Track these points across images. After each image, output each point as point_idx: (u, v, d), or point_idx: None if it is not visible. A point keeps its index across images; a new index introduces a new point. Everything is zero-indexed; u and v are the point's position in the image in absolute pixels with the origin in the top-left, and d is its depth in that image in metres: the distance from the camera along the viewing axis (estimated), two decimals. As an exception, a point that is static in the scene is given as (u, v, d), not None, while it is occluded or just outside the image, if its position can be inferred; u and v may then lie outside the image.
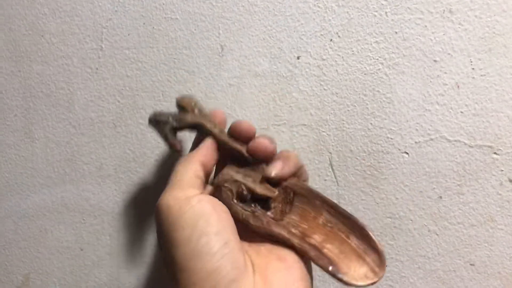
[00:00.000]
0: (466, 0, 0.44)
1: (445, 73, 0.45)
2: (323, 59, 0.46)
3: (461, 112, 0.45)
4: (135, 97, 0.49)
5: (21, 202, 0.52)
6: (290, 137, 0.47)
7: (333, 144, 0.47)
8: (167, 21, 0.48)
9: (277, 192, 0.37)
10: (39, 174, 0.52)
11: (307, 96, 0.47)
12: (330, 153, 0.47)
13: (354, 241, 0.34)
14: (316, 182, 0.48)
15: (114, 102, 0.49)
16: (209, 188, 0.38)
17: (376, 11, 0.45)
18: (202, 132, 0.39)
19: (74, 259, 0.52)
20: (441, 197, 0.46)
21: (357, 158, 0.47)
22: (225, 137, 0.38)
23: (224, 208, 0.32)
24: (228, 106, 0.48)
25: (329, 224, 0.35)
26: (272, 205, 0.36)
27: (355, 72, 0.46)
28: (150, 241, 0.51)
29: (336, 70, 0.46)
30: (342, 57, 0.46)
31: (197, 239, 0.28)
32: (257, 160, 0.37)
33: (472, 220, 0.46)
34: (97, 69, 0.49)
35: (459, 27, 0.44)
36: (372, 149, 0.47)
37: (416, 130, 0.46)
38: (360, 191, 0.47)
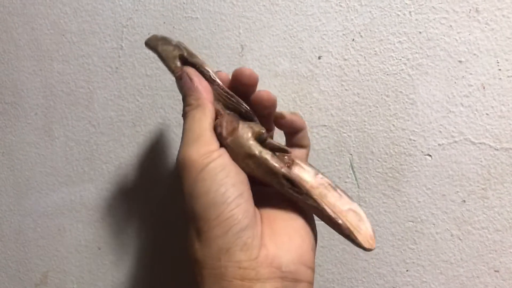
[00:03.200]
0: (493, -1, 0.43)
1: (471, 74, 0.44)
2: (345, 59, 0.46)
3: (487, 114, 0.44)
4: (154, 97, 0.49)
5: (41, 201, 0.53)
6: (310, 138, 0.47)
7: (354, 145, 0.46)
8: (188, 21, 0.48)
9: (290, 150, 0.36)
10: (58, 173, 0.52)
11: (328, 96, 0.46)
12: (351, 154, 0.47)
13: (350, 216, 0.34)
14: (336, 183, 0.47)
15: (134, 101, 0.49)
16: None
17: (400, 11, 0.44)
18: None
19: (92, 258, 0.52)
20: (464, 201, 0.45)
21: (378, 160, 0.46)
22: (228, 90, 0.36)
23: (236, 165, 0.33)
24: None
25: (329, 195, 0.35)
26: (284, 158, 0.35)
27: (377, 72, 0.45)
28: (169, 240, 0.51)
29: (358, 70, 0.46)
30: (364, 57, 0.45)
31: (216, 189, 0.30)
32: (259, 113, 0.36)
33: (497, 225, 0.45)
34: (117, 68, 0.49)
35: (485, 27, 0.43)
36: (394, 151, 0.46)
37: (440, 132, 0.45)
38: (381, 194, 0.46)
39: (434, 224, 0.46)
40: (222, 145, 0.34)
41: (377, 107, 0.46)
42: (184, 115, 0.35)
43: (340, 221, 0.32)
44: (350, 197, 0.35)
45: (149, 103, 0.49)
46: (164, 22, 0.48)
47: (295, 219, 0.34)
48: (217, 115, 0.35)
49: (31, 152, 0.52)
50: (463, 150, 0.45)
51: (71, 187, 0.52)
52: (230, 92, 0.36)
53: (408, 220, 0.46)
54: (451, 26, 0.44)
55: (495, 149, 0.44)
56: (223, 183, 0.31)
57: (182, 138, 0.33)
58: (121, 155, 0.50)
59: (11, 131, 0.52)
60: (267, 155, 0.33)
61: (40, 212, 0.53)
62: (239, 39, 0.47)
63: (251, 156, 0.33)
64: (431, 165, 0.45)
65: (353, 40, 0.45)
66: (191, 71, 0.36)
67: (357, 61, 0.45)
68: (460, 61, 0.44)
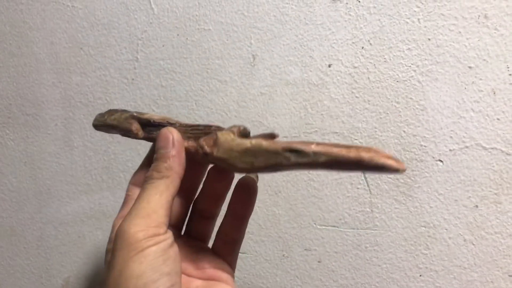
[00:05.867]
0: (502, 5, 0.43)
1: (481, 79, 0.44)
2: (355, 67, 0.46)
3: (498, 119, 0.44)
4: (169, 107, 0.50)
5: (61, 209, 0.54)
6: (321, 145, 0.47)
7: (365, 152, 0.47)
8: (200, 32, 0.49)
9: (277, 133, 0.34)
10: (78, 182, 0.53)
11: (339, 104, 0.47)
12: (362, 161, 0.47)
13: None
14: (348, 190, 0.47)
15: (149, 111, 0.51)
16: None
17: (409, 18, 0.45)
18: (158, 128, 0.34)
19: (111, 264, 0.54)
20: (477, 206, 0.45)
21: (390, 166, 0.46)
22: (186, 122, 0.34)
23: (177, 251, 0.32)
24: (260, 115, 0.48)
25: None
26: None
27: (387, 79, 0.46)
28: (184, 247, 0.52)
29: (368, 78, 0.46)
30: (374, 64, 0.46)
31: (149, 275, 0.29)
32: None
33: (511, 230, 0.45)
34: (133, 79, 0.51)
35: (495, 32, 0.43)
36: (406, 157, 0.46)
37: (451, 137, 0.45)
38: (393, 200, 0.47)
39: (446, 229, 0.46)
40: (211, 162, 0.32)
41: (387, 113, 0.46)
42: (148, 179, 0.32)
43: (363, 154, 0.28)
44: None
45: (164, 113, 0.50)
46: (178, 34, 0.49)
47: None
48: (192, 150, 0.33)
49: (52, 162, 0.54)
50: (475, 155, 0.45)
51: (90, 195, 0.53)
52: (194, 124, 0.34)
53: (420, 225, 0.47)
54: (460, 32, 0.44)
55: (507, 154, 0.44)
56: (158, 270, 0.29)
57: (135, 204, 0.31)
58: (138, 163, 0.51)
59: (32, 142, 0.54)
60: (258, 141, 0.31)
61: (60, 220, 0.54)
62: (250, 49, 0.48)
63: (246, 150, 0.31)
64: (442, 171, 0.46)
65: (362, 48, 0.46)
66: (176, 135, 0.33)
67: (367, 68, 0.46)
68: (469, 67, 0.44)
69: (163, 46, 0.50)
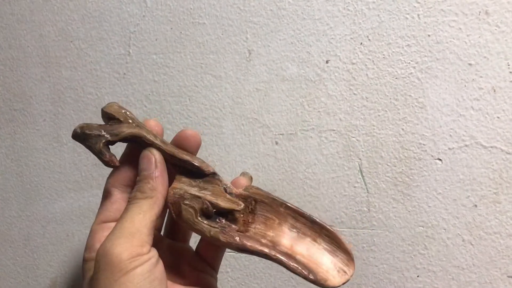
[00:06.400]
0: (503, 1, 0.42)
1: (481, 77, 0.43)
2: (353, 63, 0.45)
3: (498, 117, 0.43)
4: (162, 102, 0.49)
5: (49, 206, 0.53)
6: (318, 142, 0.46)
7: (363, 150, 0.46)
8: (195, 26, 0.48)
9: (242, 204, 0.34)
10: (66, 179, 0.52)
11: (336, 101, 0.46)
12: (360, 159, 0.46)
13: (322, 244, 0.34)
14: (345, 188, 0.46)
15: (141, 107, 0.49)
16: None
17: (408, 14, 0.44)
18: (141, 145, 0.33)
19: (101, 264, 0.52)
20: (476, 205, 0.45)
21: (388, 165, 0.46)
22: (171, 148, 0.34)
23: (163, 269, 0.31)
24: (255, 111, 0.47)
25: (294, 230, 0.35)
26: (237, 216, 0.34)
27: (386, 76, 0.45)
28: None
29: (366, 74, 0.45)
30: (373, 61, 0.45)
31: None
32: (210, 171, 0.34)
33: (510, 230, 0.44)
34: (124, 74, 0.50)
35: (495, 29, 0.43)
36: (404, 155, 0.45)
37: (450, 136, 0.44)
38: (391, 199, 0.46)
39: (445, 229, 0.45)
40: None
41: (386, 111, 0.45)
42: (132, 199, 0.32)
43: (303, 272, 0.33)
44: (314, 222, 0.35)
45: (157, 109, 0.49)
46: (172, 28, 0.48)
47: None
48: (172, 173, 0.34)
49: (40, 158, 0.52)
50: (474, 154, 0.44)
51: (79, 193, 0.52)
52: (171, 152, 0.34)
53: (418, 225, 0.46)
54: (460, 28, 0.43)
55: (507, 152, 0.44)
56: None
57: (118, 224, 0.30)
58: (129, 161, 0.50)
59: (20, 138, 0.52)
60: (216, 233, 0.33)
61: (48, 218, 0.53)
62: (246, 44, 0.47)
63: (205, 237, 0.33)
64: (441, 170, 0.45)
65: (361, 43, 0.45)
66: (158, 157, 0.33)
67: (366, 65, 0.45)
68: (470, 64, 0.43)
69: (156, 40, 0.49)
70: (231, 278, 0.50)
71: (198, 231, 0.33)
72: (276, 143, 0.47)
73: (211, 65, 0.48)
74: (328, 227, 0.34)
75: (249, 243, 0.33)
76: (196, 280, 0.35)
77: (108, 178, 0.34)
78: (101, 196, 0.33)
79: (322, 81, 0.46)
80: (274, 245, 0.34)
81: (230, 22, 0.47)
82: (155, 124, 0.34)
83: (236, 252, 0.34)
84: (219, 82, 0.48)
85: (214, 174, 0.34)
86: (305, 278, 0.32)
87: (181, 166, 0.34)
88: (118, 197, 0.33)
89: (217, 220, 0.34)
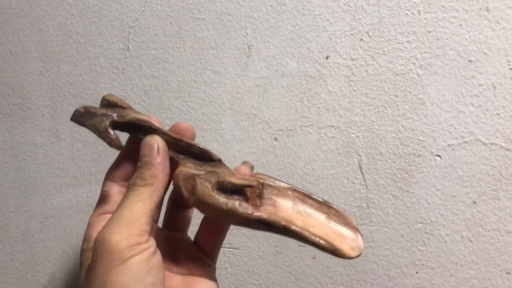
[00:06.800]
0: (504, -3, 0.42)
1: (481, 73, 0.43)
2: (353, 59, 0.45)
3: (497, 114, 0.43)
4: (161, 98, 0.49)
5: (47, 202, 0.53)
6: (318, 138, 0.46)
7: (362, 146, 0.46)
8: (194, 21, 0.48)
9: (255, 181, 0.34)
10: (65, 174, 0.52)
11: (336, 97, 0.46)
12: (359, 155, 0.46)
13: (331, 223, 0.34)
14: (344, 185, 0.46)
15: (140, 102, 0.49)
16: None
17: (408, 10, 0.44)
18: (144, 132, 0.33)
19: (99, 260, 0.52)
20: (475, 202, 0.45)
21: (387, 161, 0.46)
22: (176, 135, 0.33)
23: (160, 258, 0.31)
24: (255, 107, 0.47)
25: (304, 212, 0.34)
26: (248, 194, 0.34)
27: (386, 72, 0.45)
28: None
29: (366, 70, 0.45)
30: (373, 57, 0.45)
31: (134, 286, 0.28)
32: (217, 157, 0.34)
33: (509, 227, 0.44)
34: (123, 69, 0.49)
35: (496, 26, 0.43)
36: (403, 152, 0.45)
37: (449, 132, 0.44)
38: (390, 195, 0.46)
39: (444, 225, 0.45)
40: (188, 206, 0.33)
41: (385, 107, 0.45)
42: (131, 186, 0.31)
43: (322, 242, 0.32)
44: (322, 203, 0.35)
45: (156, 104, 0.49)
46: (171, 23, 0.48)
47: None
48: (173, 163, 0.33)
49: (38, 154, 0.52)
50: (474, 151, 0.44)
51: (78, 188, 0.52)
52: (178, 137, 0.33)
53: (417, 221, 0.46)
54: (460, 25, 0.43)
55: (506, 149, 0.44)
56: (142, 281, 0.28)
57: (117, 212, 0.30)
58: (128, 156, 0.50)
59: (18, 133, 0.52)
60: (234, 205, 0.31)
61: (47, 213, 0.53)
62: (246, 40, 0.47)
63: (220, 211, 0.32)
64: (440, 166, 0.45)
65: (361, 39, 0.45)
66: (162, 144, 0.32)
67: (365, 61, 0.45)
68: (470, 61, 0.43)
69: (155, 35, 0.48)
70: (230, 274, 0.49)
71: (213, 205, 0.31)
72: (276, 139, 0.47)
73: (211, 60, 0.48)
74: (335, 207, 0.34)
75: (267, 215, 0.32)
76: (194, 270, 0.34)
77: (108, 172, 0.34)
78: (99, 192, 0.33)
79: (322, 77, 0.46)
80: (288, 222, 0.33)
81: (229, 18, 0.47)
82: (154, 120, 0.34)
83: (245, 227, 0.33)
84: (219, 78, 0.48)
85: (220, 160, 0.34)
86: (324, 248, 0.32)
87: (186, 153, 0.34)
88: (117, 191, 0.33)
89: (232, 195, 0.33)
